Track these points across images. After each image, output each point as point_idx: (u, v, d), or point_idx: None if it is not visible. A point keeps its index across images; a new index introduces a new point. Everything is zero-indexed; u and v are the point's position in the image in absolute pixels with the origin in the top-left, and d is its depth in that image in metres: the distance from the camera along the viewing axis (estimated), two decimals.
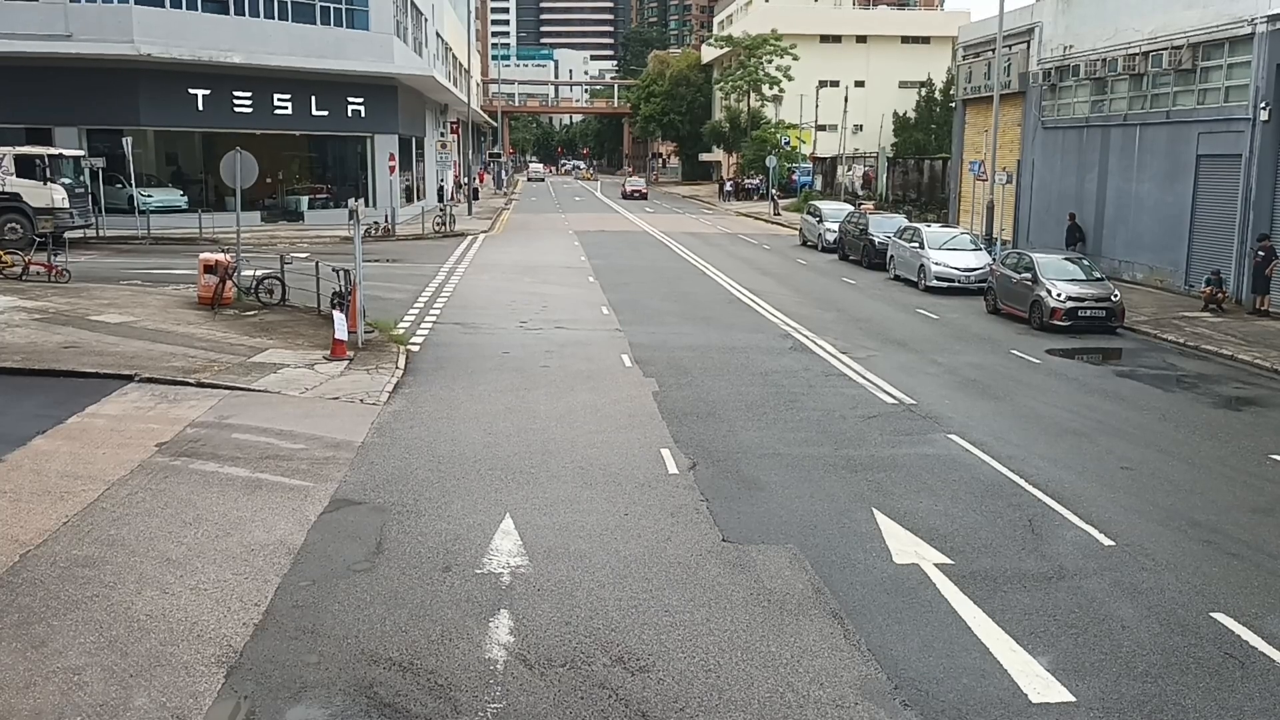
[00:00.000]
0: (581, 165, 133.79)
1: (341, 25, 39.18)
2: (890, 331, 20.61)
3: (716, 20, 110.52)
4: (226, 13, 36.13)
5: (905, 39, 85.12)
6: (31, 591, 7.66)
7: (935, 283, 26.40)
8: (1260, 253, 22.14)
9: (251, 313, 19.48)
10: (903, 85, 76.91)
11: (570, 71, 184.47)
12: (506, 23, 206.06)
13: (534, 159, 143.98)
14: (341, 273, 17.67)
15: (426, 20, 52.00)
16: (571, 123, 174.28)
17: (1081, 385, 16.25)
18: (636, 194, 73.86)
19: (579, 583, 8.19)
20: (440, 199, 51.53)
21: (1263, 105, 22.79)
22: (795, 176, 67.32)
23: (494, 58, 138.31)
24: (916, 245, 27.82)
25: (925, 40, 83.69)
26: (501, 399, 14.18)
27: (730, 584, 8.28)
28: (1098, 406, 14.78)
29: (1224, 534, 9.71)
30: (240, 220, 23.02)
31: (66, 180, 29.31)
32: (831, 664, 7.04)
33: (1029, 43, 33.14)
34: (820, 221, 37.83)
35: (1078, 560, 8.98)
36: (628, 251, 36.02)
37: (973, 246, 27.87)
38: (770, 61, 71.97)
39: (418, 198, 49.51)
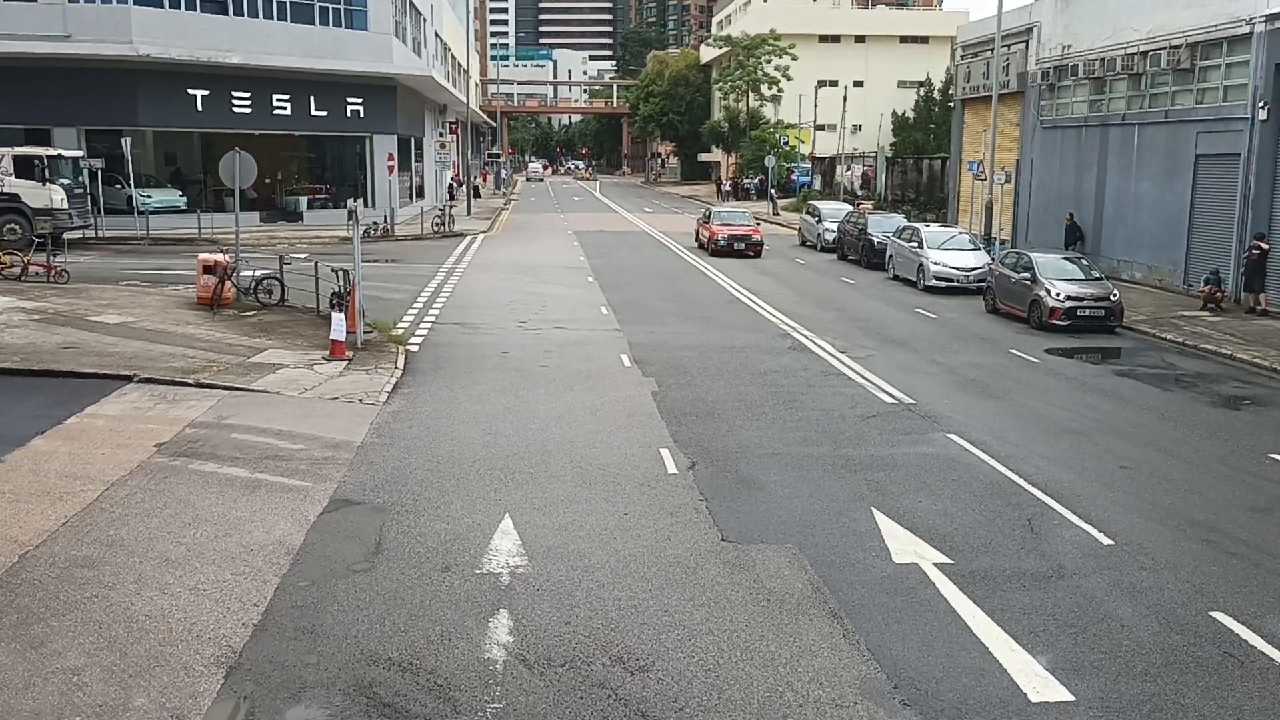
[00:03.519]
0: (580, 165, 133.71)
1: (340, 25, 39.16)
2: (889, 331, 20.61)
3: (715, 20, 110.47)
4: (225, 13, 36.11)
5: (904, 39, 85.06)
6: (31, 592, 7.66)
7: (934, 282, 26.41)
8: (1254, 251, 22.16)
9: (250, 313, 19.48)
10: (901, 85, 76.87)
11: (569, 71, 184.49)
12: (505, 23, 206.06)
13: (533, 159, 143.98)
14: (340, 273, 17.68)
15: (425, 20, 51.98)
16: (570, 123, 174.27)
17: (1080, 384, 16.25)
18: (740, 244, 34.32)
19: (578, 583, 8.19)
20: (452, 196, 52.69)
21: (1261, 105, 22.80)
22: (794, 176, 67.32)
23: (493, 58, 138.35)
24: (915, 245, 27.82)
25: (924, 40, 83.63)
26: (500, 399, 14.18)
27: (730, 584, 8.28)
28: (1097, 406, 14.78)
29: (1223, 533, 9.71)
30: (239, 220, 23.02)
31: (65, 181, 29.30)
32: (831, 663, 7.04)
33: (1027, 42, 33.15)
34: (819, 221, 37.84)
35: (1077, 559, 8.98)
36: (627, 251, 36.02)
37: (971, 246, 27.87)
38: (769, 61, 71.95)
39: (417, 198, 49.55)
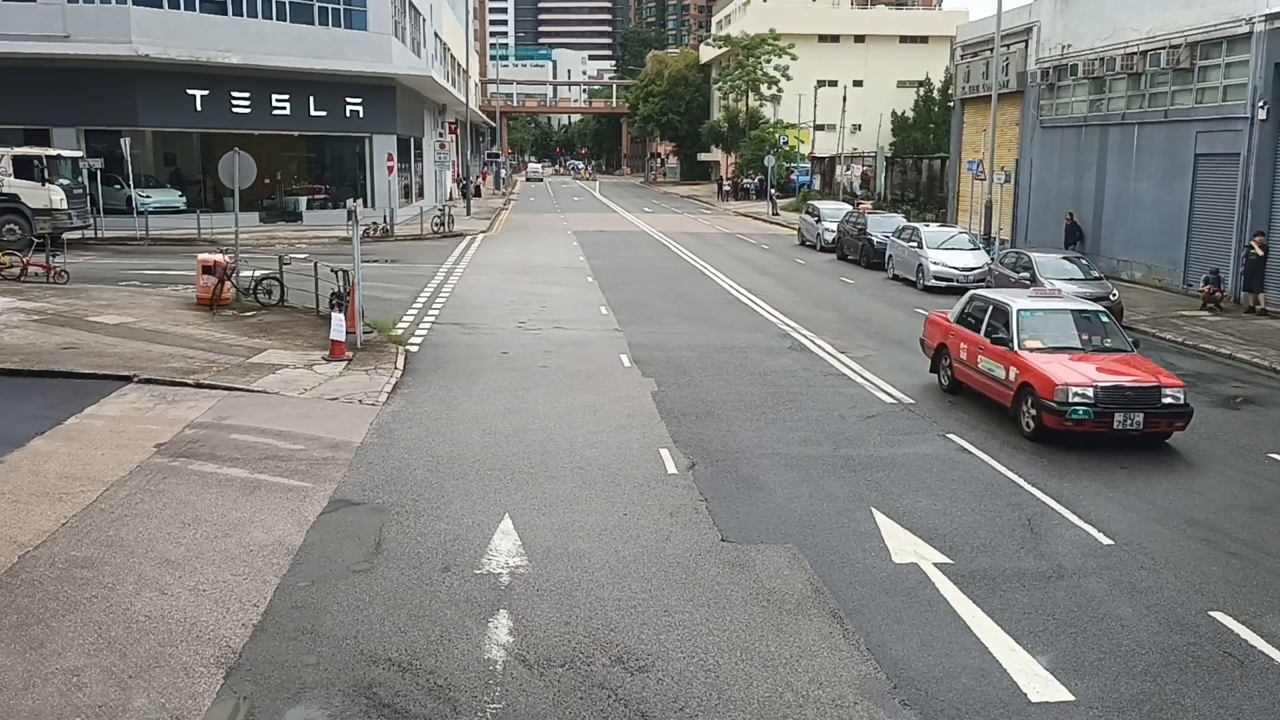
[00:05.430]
0: (580, 165, 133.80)
1: (339, 25, 39.16)
2: (889, 331, 20.60)
3: (715, 20, 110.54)
4: (224, 13, 36.10)
5: (903, 38, 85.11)
6: (30, 593, 7.65)
7: (934, 282, 26.40)
8: (1253, 250, 22.15)
9: (250, 313, 19.48)
10: (901, 85, 76.91)
11: (569, 71, 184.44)
12: (505, 23, 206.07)
13: (532, 159, 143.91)
14: (340, 273, 17.68)
15: (424, 20, 51.97)
16: (570, 123, 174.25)
17: None
18: (1131, 420, 11.99)
19: (578, 583, 8.19)
20: (464, 193, 53.45)
21: (1261, 104, 22.80)
22: (794, 176, 67.32)
23: (492, 58, 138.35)
24: (915, 245, 27.83)
25: (923, 40, 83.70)
26: (500, 399, 14.18)
27: (729, 584, 8.28)
28: None
29: (1223, 533, 9.71)
30: (239, 221, 23.01)
31: (65, 181, 29.29)
32: (831, 663, 7.04)
33: (1027, 42, 33.16)
34: (819, 221, 37.84)
35: (1077, 559, 8.98)
36: (626, 251, 36.00)
37: (971, 246, 27.88)
38: (768, 61, 71.94)
39: (417, 198, 49.54)
